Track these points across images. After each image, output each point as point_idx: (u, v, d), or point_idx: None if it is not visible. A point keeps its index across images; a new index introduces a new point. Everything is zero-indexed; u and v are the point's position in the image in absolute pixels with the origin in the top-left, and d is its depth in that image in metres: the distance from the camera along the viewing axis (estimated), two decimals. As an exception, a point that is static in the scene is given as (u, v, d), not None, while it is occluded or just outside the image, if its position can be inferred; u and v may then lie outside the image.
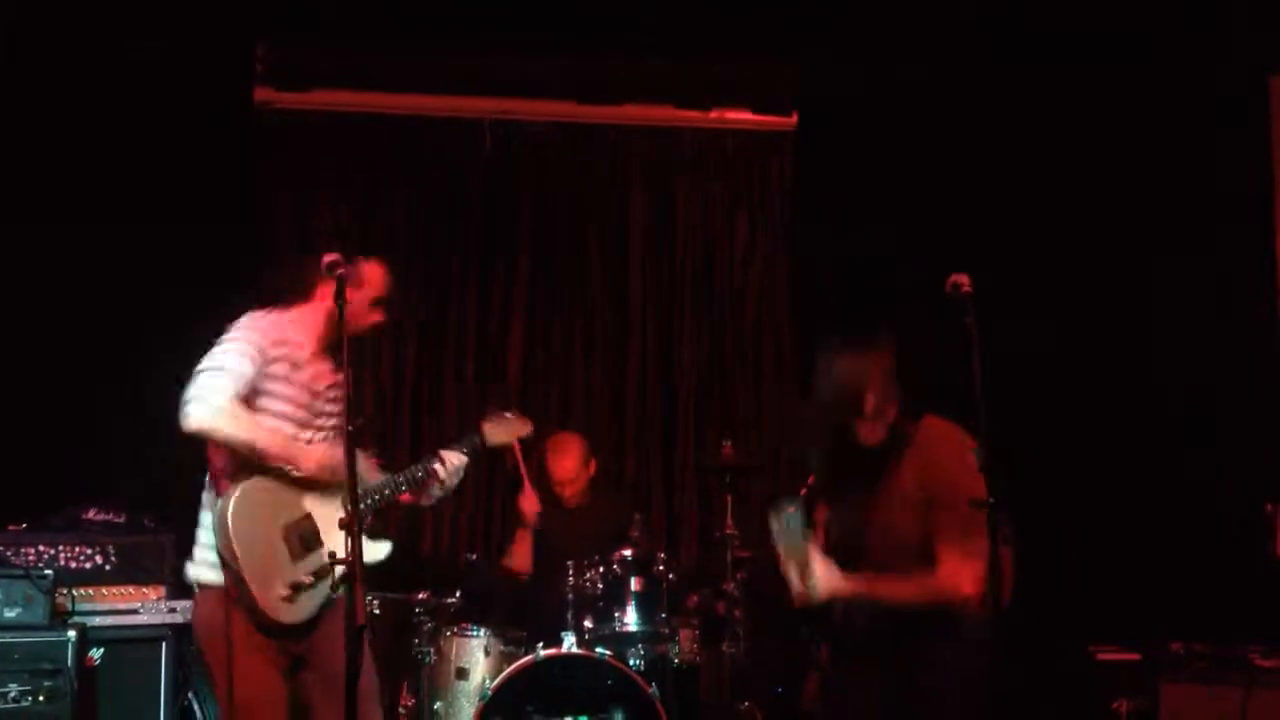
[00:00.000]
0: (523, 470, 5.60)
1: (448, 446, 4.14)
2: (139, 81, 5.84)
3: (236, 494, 3.56)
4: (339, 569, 3.28)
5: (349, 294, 3.61)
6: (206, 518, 3.67)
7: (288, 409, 3.68)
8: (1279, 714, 4.68)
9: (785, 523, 3.61)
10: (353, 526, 3.25)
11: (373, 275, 3.85)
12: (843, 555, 3.63)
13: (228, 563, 3.55)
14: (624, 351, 6.59)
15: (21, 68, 5.64)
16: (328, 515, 3.69)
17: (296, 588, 3.59)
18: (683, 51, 6.42)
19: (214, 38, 5.95)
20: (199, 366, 3.56)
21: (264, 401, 3.65)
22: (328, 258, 3.41)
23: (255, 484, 3.60)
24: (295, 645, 3.67)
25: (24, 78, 5.66)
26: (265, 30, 6.17)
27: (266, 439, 3.59)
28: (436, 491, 4.06)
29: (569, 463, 5.68)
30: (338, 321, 3.54)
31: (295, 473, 3.65)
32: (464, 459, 4.07)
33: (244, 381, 3.56)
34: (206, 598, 3.65)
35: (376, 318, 3.89)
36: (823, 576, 3.57)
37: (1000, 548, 3.27)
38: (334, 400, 3.82)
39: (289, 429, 3.68)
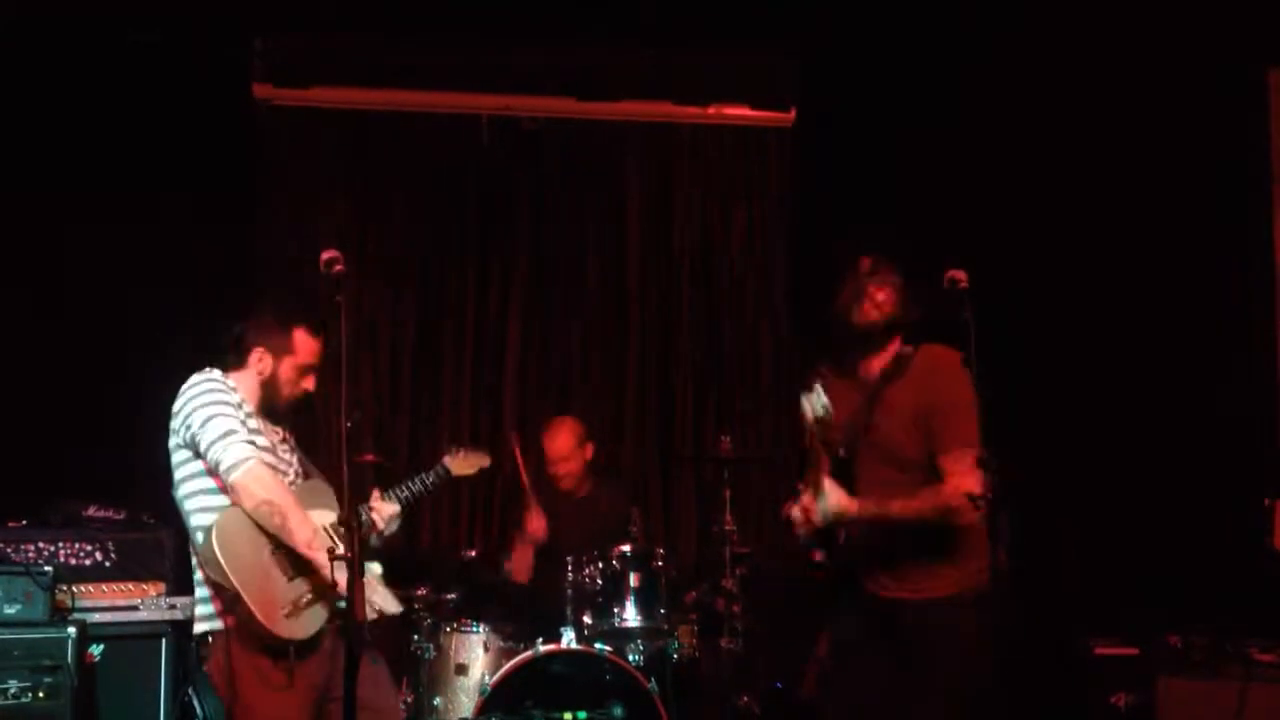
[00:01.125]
0: (526, 488, 5.62)
1: (401, 480, 4.19)
2: (137, 78, 5.83)
3: (218, 523, 3.56)
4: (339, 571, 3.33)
5: (280, 365, 3.79)
6: (195, 560, 3.68)
7: (264, 458, 3.71)
8: (1278, 708, 4.68)
9: (815, 400, 3.68)
10: (351, 523, 3.25)
11: (302, 343, 3.85)
12: (843, 470, 3.71)
13: (223, 588, 3.54)
14: (622, 346, 6.59)
15: (17, 64, 5.64)
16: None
17: (298, 604, 3.58)
18: (681, 47, 6.42)
19: (212, 34, 5.94)
20: (207, 438, 3.60)
21: None
22: (326, 254, 3.41)
23: (232, 513, 3.60)
24: (316, 675, 3.65)
25: (19, 74, 5.66)
26: (263, 26, 6.17)
27: (298, 514, 3.62)
28: (374, 541, 4.03)
29: (559, 442, 5.69)
30: (272, 388, 3.80)
31: (310, 555, 3.63)
32: (396, 509, 4.07)
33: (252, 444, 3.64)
34: (214, 648, 3.64)
35: (306, 385, 3.89)
36: (832, 495, 3.62)
37: (999, 553, 3.31)
38: (289, 451, 3.90)
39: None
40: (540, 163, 6.58)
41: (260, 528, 3.60)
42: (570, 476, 5.73)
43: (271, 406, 3.85)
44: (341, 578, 3.29)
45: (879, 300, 3.75)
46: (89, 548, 4.78)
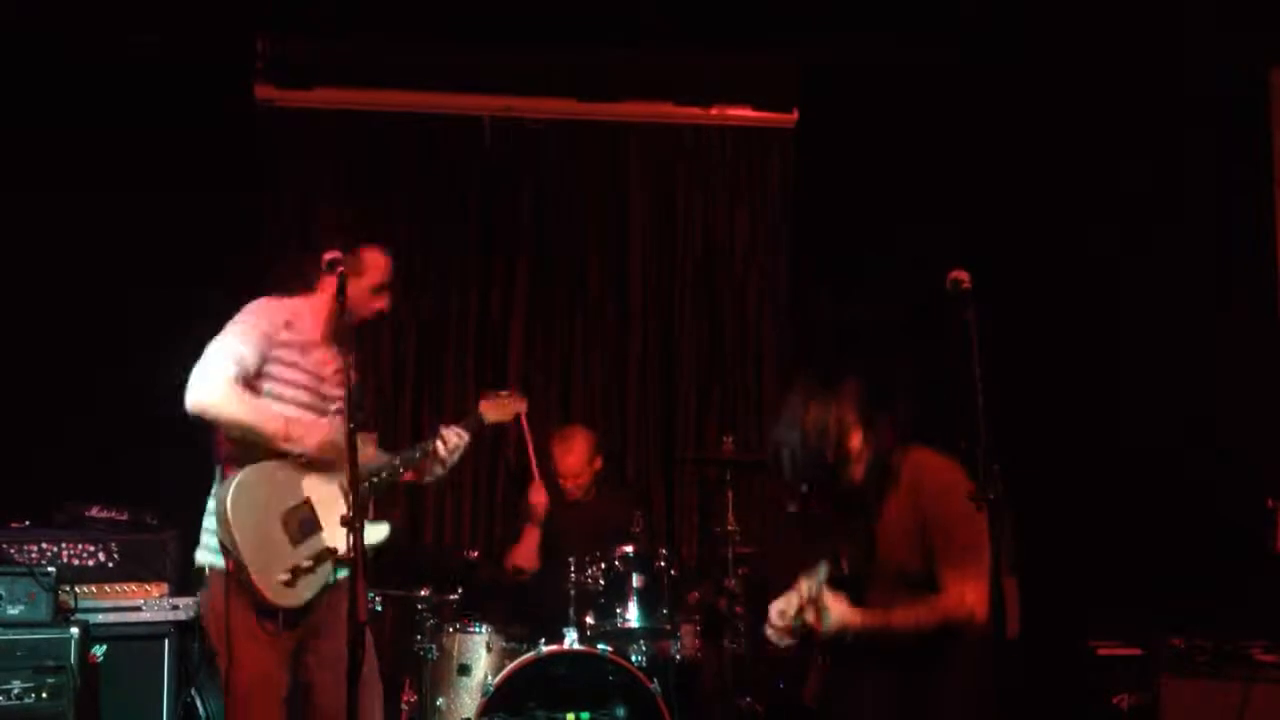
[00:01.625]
0: (532, 462, 5.61)
1: (448, 424, 4.20)
2: (138, 80, 5.84)
3: (235, 481, 3.60)
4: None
5: (350, 282, 3.71)
6: (211, 504, 3.71)
7: (297, 393, 3.75)
8: (1280, 709, 4.68)
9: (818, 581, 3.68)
10: (354, 523, 3.26)
11: (373, 262, 3.89)
12: (850, 591, 3.66)
13: (228, 549, 3.59)
14: (624, 347, 6.59)
15: (19, 65, 5.64)
16: (327, 500, 3.74)
17: (295, 572, 3.63)
18: (683, 48, 6.42)
19: (214, 35, 5.95)
20: (214, 344, 3.64)
21: (272, 385, 3.71)
22: (328, 255, 3.44)
23: (254, 471, 3.64)
24: (296, 629, 3.70)
25: (22, 75, 5.66)
26: (266, 27, 6.17)
27: (264, 420, 3.64)
28: (438, 470, 4.14)
29: (575, 458, 5.70)
30: (340, 313, 3.68)
31: (297, 453, 3.67)
32: (464, 437, 4.14)
33: (246, 363, 3.64)
34: (211, 582, 3.70)
35: (379, 304, 3.93)
36: (834, 608, 3.60)
37: (1005, 577, 3.29)
38: (340, 384, 3.88)
39: (295, 411, 3.73)
40: (542, 164, 6.58)
41: (275, 488, 3.64)
42: (579, 489, 5.74)
43: (342, 329, 3.85)
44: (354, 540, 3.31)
45: (858, 452, 3.63)
46: (92, 548, 4.78)
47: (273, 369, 3.71)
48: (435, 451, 4.08)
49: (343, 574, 3.71)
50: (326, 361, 3.83)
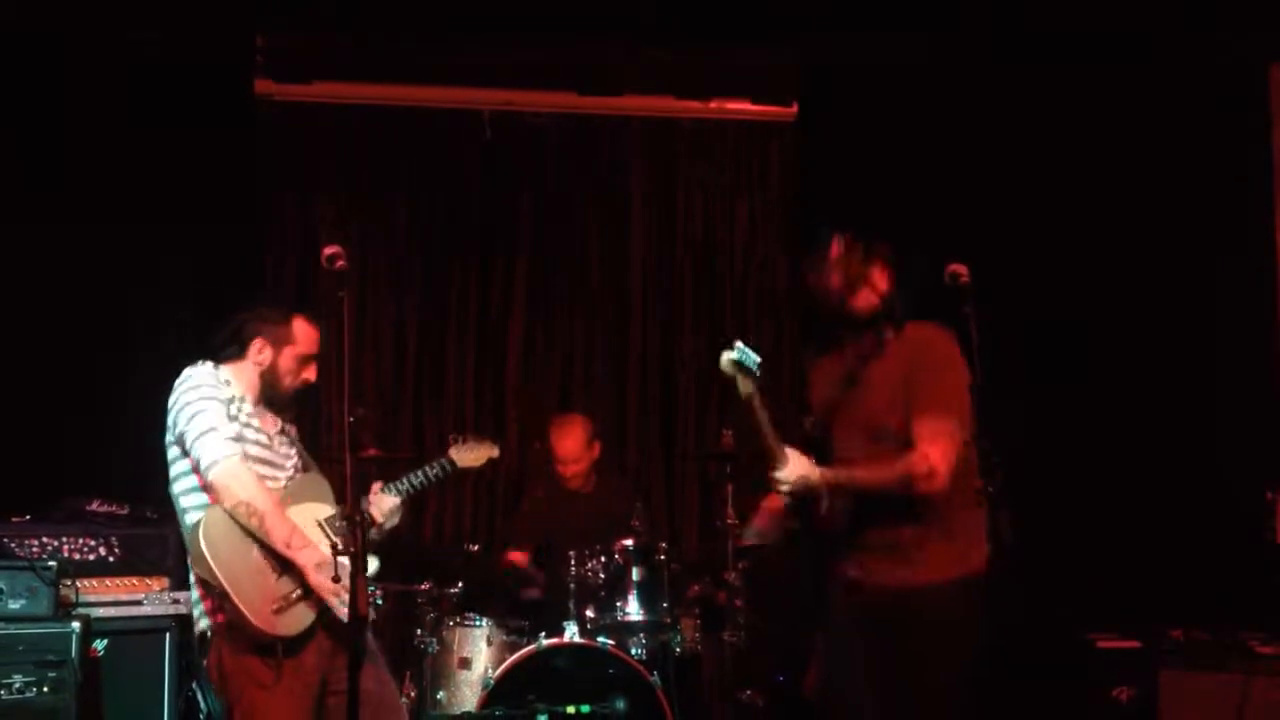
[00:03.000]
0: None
1: (403, 473, 4.10)
2: (138, 75, 5.83)
3: (205, 519, 3.57)
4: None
5: (281, 351, 3.77)
6: (189, 555, 3.68)
7: (253, 450, 3.71)
8: (1278, 701, 4.68)
9: (739, 357, 3.50)
10: (354, 518, 3.26)
11: (302, 332, 3.84)
12: (814, 447, 3.64)
13: (211, 586, 3.54)
14: (624, 341, 6.60)
15: (18, 61, 5.64)
16: (306, 528, 3.70)
17: (285, 601, 3.57)
18: (682, 42, 6.41)
19: (214, 30, 5.93)
20: (191, 434, 3.59)
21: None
22: (328, 250, 3.41)
23: (218, 510, 3.60)
24: (312, 672, 3.64)
25: (20, 71, 5.65)
26: (265, 22, 6.16)
27: (276, 514, 3.60)
28: (373, 535, 3.93)
29: (572, 442, 5.72)
30: (271, 379, 3.78)
31: (297, 563, 3.61)
32: (396, 501, 3.98)
33: (237, 443, 3.63)
34: (211, 645, 3.64)
35: (308, 375, 3.88)
36: (795, 463, 3.54)
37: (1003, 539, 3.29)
38: (288, 444, 3.88)
39: (260, 471, 3.69)
40: (542, 158, 6.58)
41: (259, 542, 3.59)
42: (578, 475, 5.76)
43: (273, 397, 3.84)
44: (344, 572, 3.28)
45: (876, 283, 3.70)
46: (93, 543, 4.78)
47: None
48: (372, 521, 3.92)
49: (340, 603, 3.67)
50: (267, 424, 3.82)
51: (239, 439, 3.66)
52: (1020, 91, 6.00)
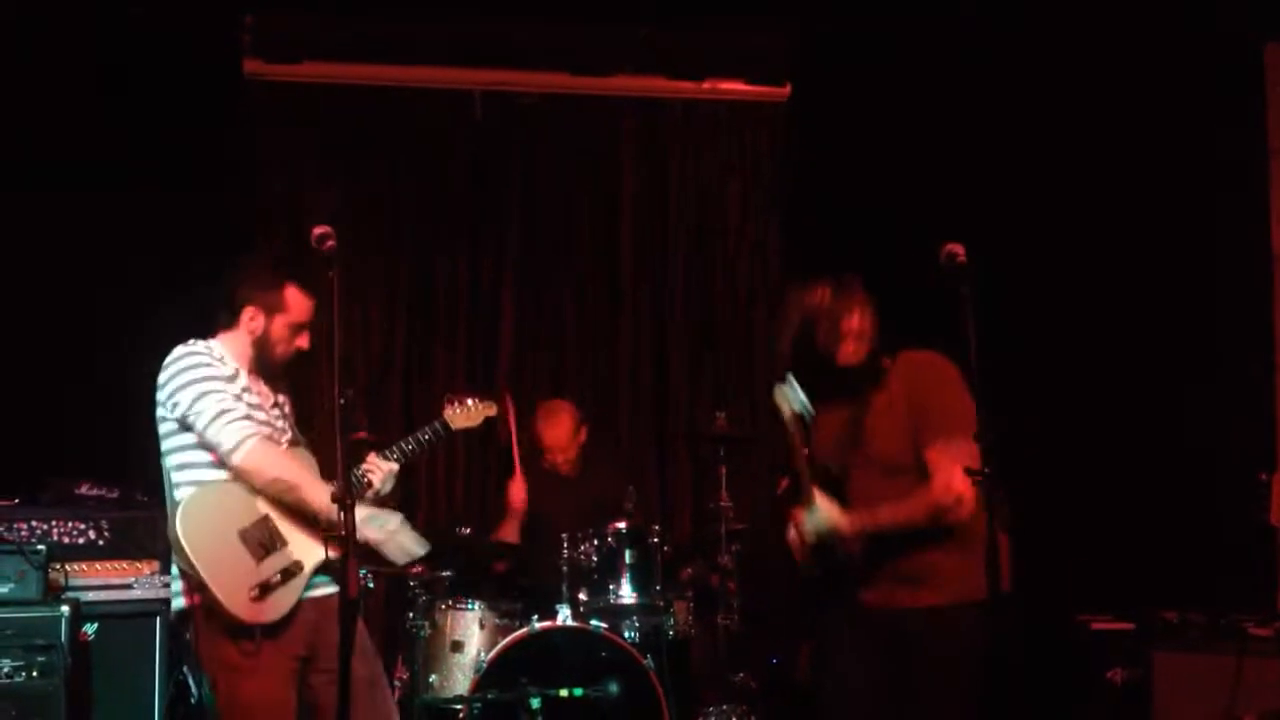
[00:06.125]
0: (515, 457, 5.61)
1: (401, 440, 4.04)
2: (126, 53, 5.79)
3: (181, 509, 3.54)
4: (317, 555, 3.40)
5: (273, 319, 3.72)
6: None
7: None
8: (1273, 683, 4.68)
9: (791, 392, 3.57)
10: (345, 501, 3.23)
11: (295, 300, 3.78)
12: (835, 488, 3.64)
13: (187, 573, 3.52)
14: (616, 322, 6.58)
15: (6, 36, 5.59)
16: (289, 515, 3.67)
17: (264, 588, 3.54)
18: (675, 22, 6.38)
19: (202, 9, 5.90)
20: (203, 417, 3.57)
21: None
22: (317, 230, 3.37)
23: (200, 493, 3.58)
24: (294, 648, 3.62)
25: (5, 50, 5.61)
26: (254, 1, 6.12)
27: (310, 485, 3.60)
28: (369, 496, 3.90)
29: (560, 430, 5.70)
30: (264, 347, 3.74)
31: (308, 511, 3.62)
32: (394, 467, 3.94)
33: (249, 417, 3.61)
34: (191, 624, 3.62)
35: (300, 343, 3.82)
36: (822, 510, 3.57)
37: (998, 533, 3.27)
38: (281, 417, 3.84)
39: None
40: (534, 138, 6.55)
41: (228, 509, 3.57)
42: (567, 462, 5.74)
43: (265, 366, 3.79)
44: (334, 554, 3.27)
45: (858, 331, 3.67)
46: (82, 526, 4.75)
47: None
48: (366, 489, 3.87)
49: (321, 580, 3.66)
50: (262, 395, 3.78)
51: (248, 417, 3.63)
52: (1015, 72, 5.98)
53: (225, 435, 3.56)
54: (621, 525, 5.21)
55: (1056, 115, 5.97)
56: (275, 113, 6.30)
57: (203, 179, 5.82)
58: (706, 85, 6.64)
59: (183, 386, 3.61)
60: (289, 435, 3.85)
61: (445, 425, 4.21)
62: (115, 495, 4.92)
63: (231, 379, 3.67)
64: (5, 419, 5.34)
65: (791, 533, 3.76)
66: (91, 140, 5.69)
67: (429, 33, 6.33)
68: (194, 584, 3.52)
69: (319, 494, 3.58)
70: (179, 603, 3.62)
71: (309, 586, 3.64)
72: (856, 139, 6.20)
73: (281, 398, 3.90)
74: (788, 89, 6.60)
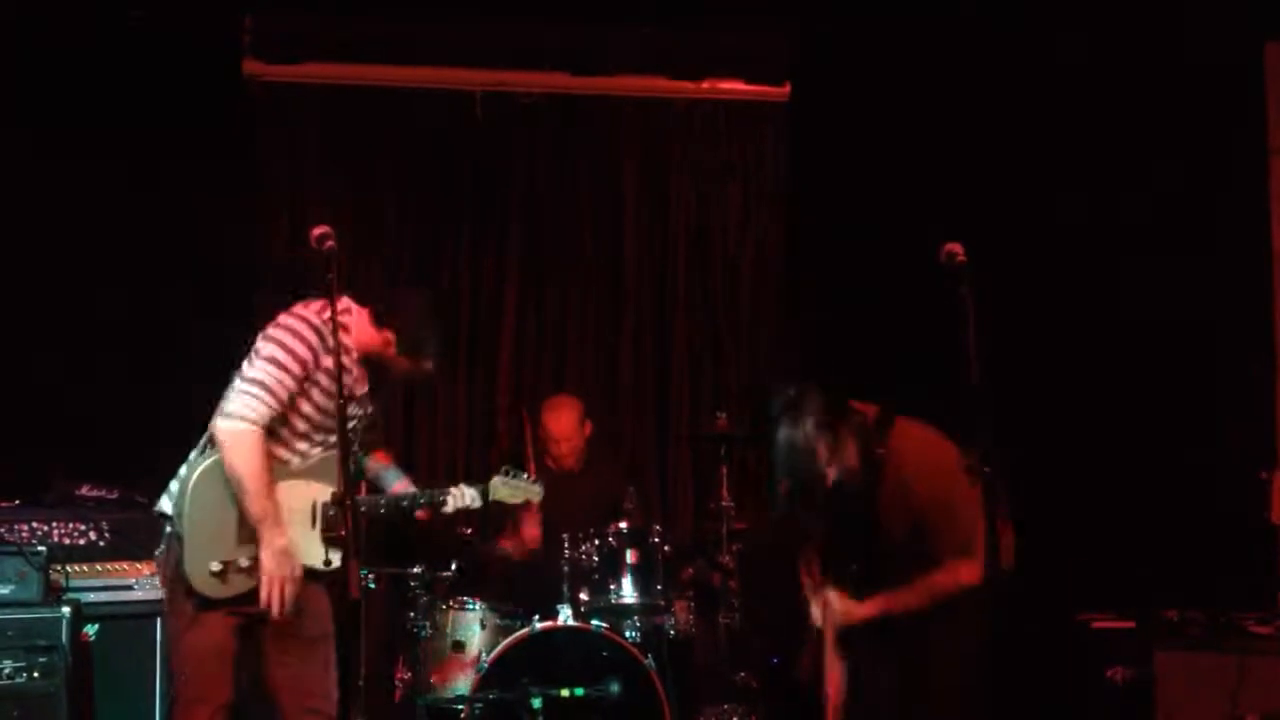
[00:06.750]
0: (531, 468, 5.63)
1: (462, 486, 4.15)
2: (127, 55, 5.79)
3: (209, 463, 3.58)
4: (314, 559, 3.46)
5: (396, 360, 3.76)
6: (183, 469, 3.69)
7: (316, 414, 3.68)
8: (1275, 681, 4.67)
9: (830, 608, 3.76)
10: (346, 500, 3.23)
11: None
12: (850, 584, 3.74)
13: (173, 520, 3.60)
14: (617, 323, 6.57)
15: (4, 40, 5.59)
16: (298, 510, 3.69)
17: (229, 566, 3.58)
18: (675, 22, 6.38)
19: (202, 10, 5.90)
20: (249, 371, 3.57)
21: (300, 412, 3.66)
22: (317, 230, 3.37)
23: (218, 464, 3.60)
24: (246, 608, 3.64)
25: (6, 50, 5.61)
26: (254, 2, 6.12)
27: (258, 493, 3.57)
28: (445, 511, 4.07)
29: (565, 422, 5.72)
30: (381, 357, 3.76)
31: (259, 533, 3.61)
32: (475, 504, 4.07)
33: (282, 405, 3.60)
34: (170, 538, 3.67)
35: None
36: (838, 605, 3.71)
37: (1001, 524, 3.29)
38: (361, 406, 3.82)
39: (311, 443, 3.71)
40: (535, 138, 6.55)
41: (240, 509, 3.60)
42: (571, 455, 5.74)
43: (374, 369, 3.82)
44: (335, 557, 3.28)
45: (830, 460, 3.67)
46: (83, 527, 4.75)
47: (303, 399, 3.64)
48: (441, 505, 4.03)
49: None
50: (356, 381, 3.76)
51: (301, 393, 3.61)
52: (1015, 72, 5.97)
53: (236, 400, 3.56)
54: (623, 525, 5.21)
55: (1056, 115, 5.96)
56: (275, 113, 6.30)
57: (202, 179, 5.82)
58: (706, 85, 6.63)
59: (269, 341, 3.62)
60: (351, 425, 3.70)
61: (486, 492, 4.23)
62: (115, 496, 4.93)
63: (315, 363, 3.61)
64: (5, 419, 5.34)
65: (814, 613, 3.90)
66: (91, 140, 5.68)
67: (429, 33, 6.33)
68: (174, 534, 3.61)
69: (262, 505, 3.57)
70: (164, 505, 3.68)
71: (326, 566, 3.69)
72: (856, 138, 6.20)
73: (366, 395, 3.86)
74: (788, 88, 6.60)
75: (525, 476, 4.33)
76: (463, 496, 4.09)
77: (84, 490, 4.91)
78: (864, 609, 3.69)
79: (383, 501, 4.04)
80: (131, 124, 5.76)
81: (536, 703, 4.77)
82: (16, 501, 4.82)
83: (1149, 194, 5.89)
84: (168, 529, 3.68)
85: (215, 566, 3.55)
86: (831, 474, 3.66)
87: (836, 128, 6.31)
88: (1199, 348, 5.83)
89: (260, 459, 3.58)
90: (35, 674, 4.22)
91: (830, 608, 3.72)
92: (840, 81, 6.29)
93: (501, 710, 4.78)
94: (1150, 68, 5.90)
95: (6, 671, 4.19)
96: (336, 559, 3.67)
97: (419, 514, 4.10)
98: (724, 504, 5.32)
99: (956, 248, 3.39)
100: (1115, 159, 5.93)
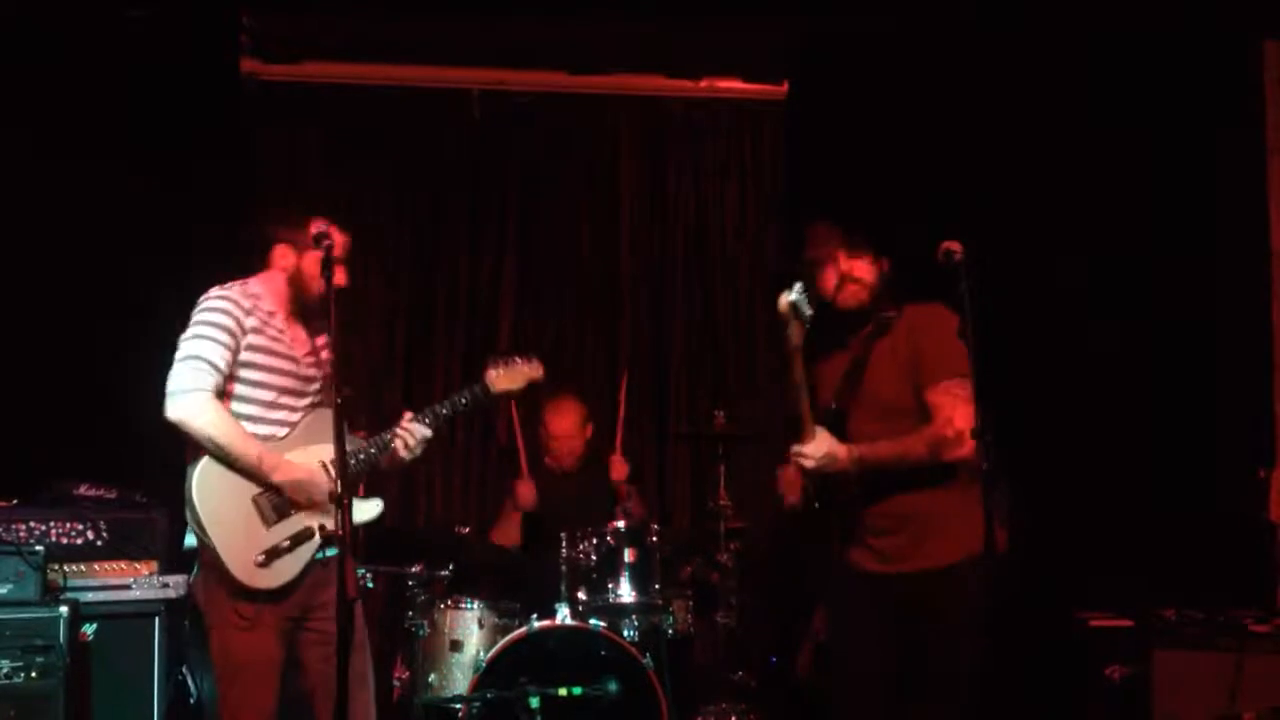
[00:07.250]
0: (521, 455, 5.62)
1: (437, 404, 3.99)
2: (124, 54, 5.78)
3: (200, 466, 3.56)
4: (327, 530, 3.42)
5: (303, 259, 3.70)
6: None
7: (275, 378, 3.68)
8: (1272, 679, 4.68)
9: (795, 299, 3.53)
10: (343, 500, 3.23)
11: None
12: (834, 426, 3.68)
13: (199, 535, 3.56)
14: (615, 321, 6.57)
15: (4, 35, 5.59)
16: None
17: (272, 554, 3.57)
18: (673, 20, 6.37)
19: (200, 9, 5.89)
20: (178, 354, 3.57)
21: (249, 374, 3.64)
22: (314, 227, 3.38)
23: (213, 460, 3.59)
24: (290, 610, 3.65)
25: (4, 48, 5.60)
26: (252, 1, 6.11)
27: (240, 444, 3.58)
28: (404, 459, 3.90)
29: (567, 420, 5.73)
30: (300, 284, 3.69)
31: (266, 478, 3.62)
32: (427, 432, 3.89)
33: (220, 370, 3.58)
34: (199, 564, 3.67)
35: (338, 280, 3.72)
36: (822, 442, 3.59)
37: (996, 528, 3.30)
38: (316, 365, 3.81)
39: (274, 399, 3.67)
40: (532, 137, 6.55)
41: (243, 472, 3.58)
42: (572, 454, 5.75)
43: (304, 307, 3.77)
44: (331, 521, 3.30)
45: (859, 276, 3.75)
46: (80, 527, 4.74)
47: (245, 363, 3.64)
48: (395, 451, 3.86)
49: (332, 553, 3.66)
50: (298, 342, 3.76)
51: (248, 364, 3.61)
52: (1015, 71, 5.97)
53: (177, 376, 3.54)
54: (621, 524, 5.21)
55: (1056, 114, 5.96)
56: (273, 112, 6.30)
57: (201, 179, 5.81)
58: (705, 84, 6.64)
59: (190, 324, 3.62)
60: (316, 386, 3.79)
61: (485, 389, 4.08)
62: (114, 496, 4.92)
63: (250, 313, 3.63)
64: (5, 419, 5.33)
65: (788, 470, 3.78)
66: (89, 140, 5.68)
67: (427, 32, 6.32)
68: (206, 548, 3.56)
69: (248, 451, 3.56)
70: (191, 540, 3.64)
71: (321, 554, 3.66)
72: (855, 137, 6.19)
73: (321, 340, 3.85)
74: (786, 87, 6.60)
75: (517, 360, 4.16)
76: (409, 435, 3.85)
77: (82, 489, 4.90)
78: (852, 450, 3.61)
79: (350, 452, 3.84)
80: (130, 123, 5.75)
81: (534, 702, 4.76)
82: (14, 500, 4.81)
83: (1148, 194, 5.89)
84: (197, 550, 3.66)
85: (259, 558, 3.55)
86: (850, 288, 3.74)
87: (835, 127, 6.30)
88: (1199, 346, 5.83)
89: (221, 414, 3.56)
90: (33, 674, 4.21)
91: (817, 442, 3.58)
92: (839, 81, 6.28)
93: (499, 709, 4.77)
94: (1149, 67, 5.90)
95: (4, 671, 4.18)
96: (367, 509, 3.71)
97: (383, 462, 3.92)
98: (722, 503, 5.32)
99: (955, 246, 3.41)
100: (1115, 158, 5.92)
